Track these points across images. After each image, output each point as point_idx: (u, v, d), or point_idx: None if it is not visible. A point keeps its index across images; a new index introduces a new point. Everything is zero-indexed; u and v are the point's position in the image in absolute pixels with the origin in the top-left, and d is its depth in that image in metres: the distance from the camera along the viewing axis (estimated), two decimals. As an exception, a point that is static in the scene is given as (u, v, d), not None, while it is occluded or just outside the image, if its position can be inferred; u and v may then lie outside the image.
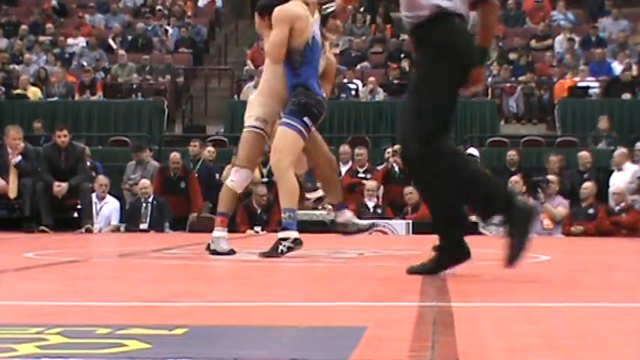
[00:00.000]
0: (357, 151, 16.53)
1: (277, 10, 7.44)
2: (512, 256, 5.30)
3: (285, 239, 7.36)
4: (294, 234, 7.39)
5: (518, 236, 5.30)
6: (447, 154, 5.50)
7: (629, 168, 15.70)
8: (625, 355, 2.81)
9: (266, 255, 7.48)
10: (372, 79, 20.29)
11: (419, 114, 5.47)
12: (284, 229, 7.47)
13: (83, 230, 14.28)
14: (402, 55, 21.49)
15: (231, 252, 7.70)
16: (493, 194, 5.50)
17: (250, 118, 7.79)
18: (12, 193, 14.45)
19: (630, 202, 15.13)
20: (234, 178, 7.79)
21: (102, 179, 15.48)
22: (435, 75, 5.47)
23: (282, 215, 7.56)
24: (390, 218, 15.20)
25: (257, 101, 7.80)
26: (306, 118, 7.40)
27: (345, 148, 16.82)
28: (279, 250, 7.34)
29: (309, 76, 7.49)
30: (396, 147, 16.58)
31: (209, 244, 7.79)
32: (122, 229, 15.21)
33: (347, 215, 8.24)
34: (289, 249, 7.34)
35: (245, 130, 7.84)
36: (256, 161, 8.02)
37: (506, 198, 5.49)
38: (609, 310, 4.20)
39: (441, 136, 5.50)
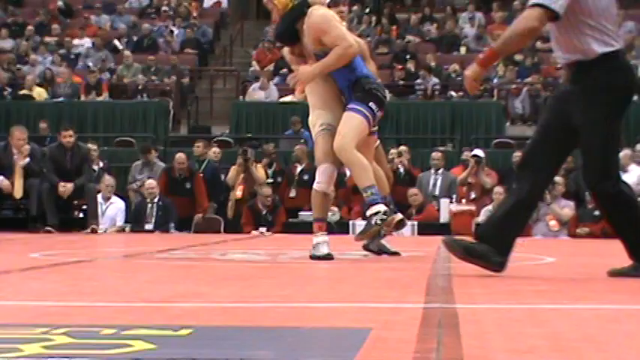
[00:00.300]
0: (362, 152, 16.49)
1: (319, 16, 7.43)
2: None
3: (375, 214, 7.31)
4: (381, 207, 7.32)
5: None
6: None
7: (634, 170, 15.68)
8: (629, 357, 2.81)
9: (362, 234, 7.50)
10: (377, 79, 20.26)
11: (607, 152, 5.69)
12: (370, 205, 7.40)
13: (88, 231, 14.28)
14: (408, 57, 21.49)
15: (329, 256, 7.44)
16: None
17: (316, 126, 7.62)
18: (17, 194, 14.46)
19: (636, 203, 15.10)
20: (319, 179, 7.60)
21: (108, 180, 15.45)
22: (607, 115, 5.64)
23: (364, 195, 7.46)
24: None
25: (315, 114, 7.65)
26: (371, 104, 7.38)
27: (350, 150, 16.79)
28: (374, 223, 7.29)
29: (362, 66, 7.53)
30: (402, 148, 16.61)
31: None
32: (127, 229, 15.20)
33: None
34: (383, 220, 7.28)
35: (315, 135, 7.65)
36: (334, 155, 7.63)
37: None
38: (614, 313, 4.20)
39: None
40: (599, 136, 5.62)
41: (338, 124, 7.42)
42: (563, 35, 5.61)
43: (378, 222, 7.27)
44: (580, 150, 5.81)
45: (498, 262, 5.63)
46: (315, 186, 7.61)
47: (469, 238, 5.89)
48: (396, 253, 8.03)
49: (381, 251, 8.02)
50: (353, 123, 7.33)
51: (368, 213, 7.45)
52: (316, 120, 7.61)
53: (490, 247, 5.62)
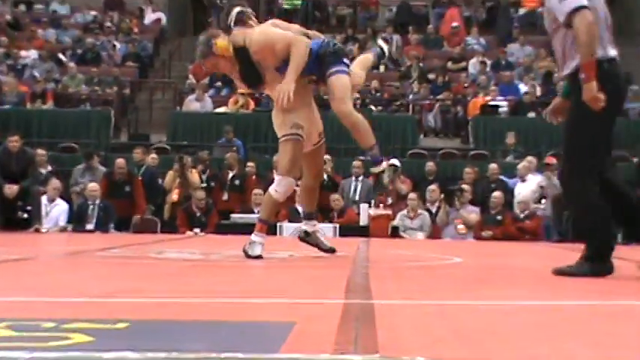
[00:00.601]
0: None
1: (258, 35, 7.38)
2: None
3: (382, 172, 7.31)
4: (384, 164, 7.38)
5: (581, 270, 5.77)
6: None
7: (533, 179, 15.91)
8: (524, 346, 2.84)
9: (377, 188, 7.47)
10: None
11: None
12: (374, 164, 7.40)
13: (32, 230, 14.14)
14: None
15: (259, 257, 7.30)
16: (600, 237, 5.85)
17: (283, 126, 7.35)
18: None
19: (533, 209, 15.34)
20: (278, 189, 7.37)
21: (55, 183, 15.32)
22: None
23: (370, 153, 7.48)
24: (318, 222, 15.20)
25: (281, 111, 7.33)
26: (344, 59, 7.31)
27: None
28: (385, 180, 7.30)
29: (313, 43, 7.37)
30: (326, 157, 16.63)
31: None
32: (69, 229, 15.06)
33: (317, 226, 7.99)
34: (393, 173, 7.42)
35: (282, 139, 7.34)
36: (299, 168, 7.52)
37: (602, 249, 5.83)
38: (512, 307, 4.24)
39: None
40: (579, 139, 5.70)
41: (306, 125, 7.37)
42: (569, 45, 5.66)
43: (388, 177, 7.33)
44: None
45: None
46: (272, 192, 7.42)
47: None
48: (331, 250, 7.87)
49: (318, 246, 7.87)
50: (342, 83, 7.22)
51: (376, 171, 7.46)
52: (284, 118, 7.33)
53: None
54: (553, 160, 15.83)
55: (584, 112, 5.54)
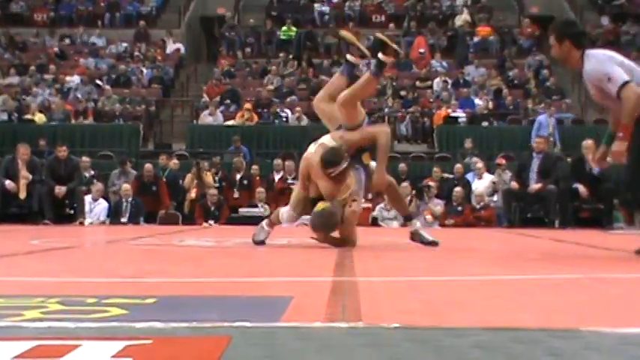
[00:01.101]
0: (287, 163, 16.56)
1: (313, 156, 6.97)
2: None
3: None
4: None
5: None
6: None
7: (487, 177, 15.94)
8: (482, 314, 2.84)
9: None
10: (298, 109, 20.31)
11: None
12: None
13: (77, 223, 14.16)
14: (321, 92, 21.53)
15: (262, 243, 7.28)
16: None
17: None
18: (22, 195, 14.29)
19: (487, 201, 15.36)
20: (285, 217, 7.32)
21: (98, 185, 15.48)
22: None
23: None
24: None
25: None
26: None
27: (278, 161, 16.85)
28: None
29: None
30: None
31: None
32: (107, 222, 15.06)
33: (416, 225, 7.56)
34: None
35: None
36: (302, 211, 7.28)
37: None
38: (473, 282, 4.24)
39: None
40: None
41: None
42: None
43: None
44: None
45: None
46: (280, 215, 7.36)
47: None
48: (433, 243, 7.19)
49: (421, 242, 7.24)
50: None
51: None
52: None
53: None
54: (503, 161, 15.85)
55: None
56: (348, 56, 7.41)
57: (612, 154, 5.68)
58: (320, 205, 6.84)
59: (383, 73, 7.24)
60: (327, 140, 7.03)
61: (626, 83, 5.59)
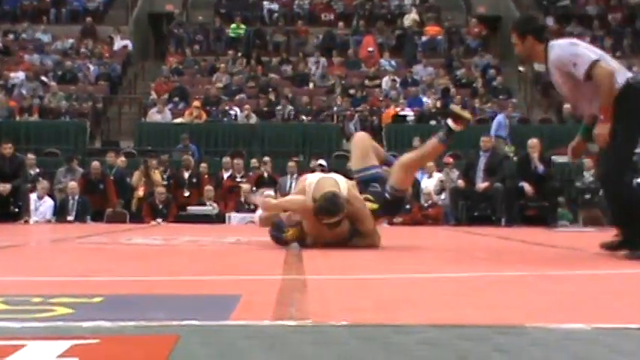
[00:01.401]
0: (235, 161, 16.52)
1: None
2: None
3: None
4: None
5: None
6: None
7: (436, 176, 16.05)
8: (430, 311, 2.86)
9: None
10: (247, 106, 20.26)
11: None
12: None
13: (22, 222, 13.97)
14: (270, 89, 21.52)
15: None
16: None
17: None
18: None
19: (435, 200, 15.46)
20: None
21: (44, 183, 15.27)
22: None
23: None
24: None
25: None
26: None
27: (226, 159, 16.80)
28: None
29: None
30: (266, 159, 16.63)
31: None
32: (53, 221, 14.88)
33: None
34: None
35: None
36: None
37: None
38: (421, 279, 4.27)
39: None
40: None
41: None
42: (591, 93, 5.54)
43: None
44: None
45: None
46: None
47: None
48: None
49: None
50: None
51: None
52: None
53: None
54: (450, 160, 15.97)
55: (621, 130, 5.44)
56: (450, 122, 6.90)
57: (597, 138, 5.48)
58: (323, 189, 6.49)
59: (449, 141, 6.98)
60: (341, 181, 6.61)
61: (595, 62, 5.45)
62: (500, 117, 18.65)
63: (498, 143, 17.98)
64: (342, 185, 6.53)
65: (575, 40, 5.88)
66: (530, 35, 5.72)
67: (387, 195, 6.60)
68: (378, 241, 6.64)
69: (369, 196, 6.62)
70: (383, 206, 6.65)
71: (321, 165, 15.82)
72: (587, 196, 15.37)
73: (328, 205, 6.25)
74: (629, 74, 5.67)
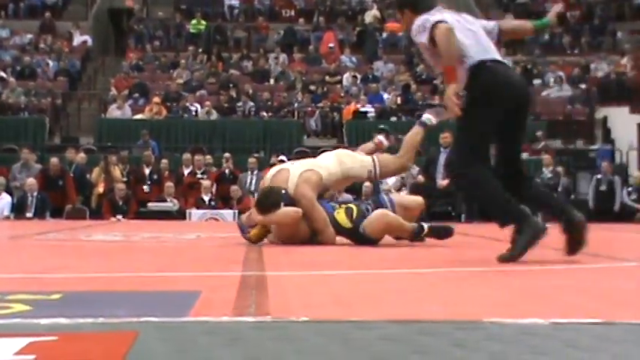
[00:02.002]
0: (196, 157, 16.46)
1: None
2: (512, 256, 4.84)
3: None
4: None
5: (520, 244, 4.86)
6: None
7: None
8: (390, 307, 2.87)
9: None
10: (208, 102, 20.17)
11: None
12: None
13: (-20, 218, 13.81)
14: (231, 85, 21.44)
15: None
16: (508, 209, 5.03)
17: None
18: None
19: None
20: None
21: (1, 179, 15.07)
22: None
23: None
24: (221, 208, 15.18)
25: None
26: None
27: (187, 156, 16.72)
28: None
29: None
30: (227, 155, 16.59)
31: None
32: (12, 217, 14.73)
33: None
34: None
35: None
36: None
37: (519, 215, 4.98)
38: (381, 275, 4.28)
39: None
40: None
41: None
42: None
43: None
44: None
45: None
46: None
47: None
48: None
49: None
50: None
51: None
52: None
53: None
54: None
55: (467, 107, 4.91)
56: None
57: (445, 103, 4.97)
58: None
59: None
60: (294, 175, 6.61)
61: (435, 24, 4.95)
62: None
63: None
64: (293, 181, 6.55)
65: (439, 8, 5.28)
66: (407, 9, 5.28)
67: (361, 229, 6.55)
68: (329, 238, 6.57)
69: (351, 207, 6.64)
70: (353, 232, 6.58)
71: (281, 161, 15.81)
72: (546, 193, 15.52)
73: (262, 199, 6.50)
74: (493, 56, 5.12)
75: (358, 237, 6.53)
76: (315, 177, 6.61)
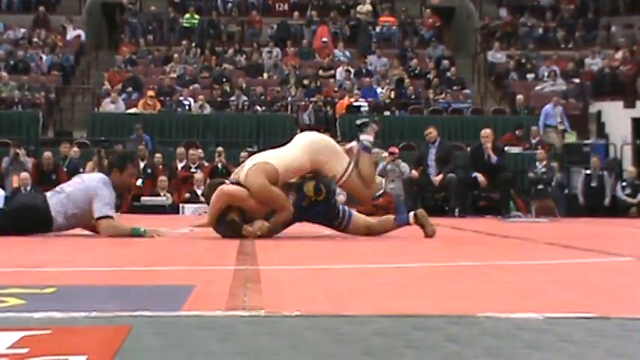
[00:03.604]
0: (190, 152, 16.45)
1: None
2: None
3: None
4: None
5: None
6: None
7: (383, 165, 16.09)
8: (381, 301, 2.87)
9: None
10: (201, 97, 20.16)
11: None
12: None
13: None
14: (224, 80, 21.42)
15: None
16: None
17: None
18: None
19: (386, 189, 15.51)
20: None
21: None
22: None
23: None
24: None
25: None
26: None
27: (180, 150, 16.71)
28: None
29: None
30: (220, 149, 16.57)
31: None
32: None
33: None
34: None
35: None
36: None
37: None
38: (372, 270, 4.28)
39: None
40: None
41: None
42: None
43: None
44: None
45: None
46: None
47: None
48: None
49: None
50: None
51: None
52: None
53: None
54: (396, 150, 15.95)
55: None
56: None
57: None
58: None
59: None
60: (248, 164, 6.66)
61: None
62: (547, 107, 18.61)
63: (547, 133, 18.01)
64: (245, 169, 6.58)
65: None
66: None
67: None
68: (283, 217, 6.56)
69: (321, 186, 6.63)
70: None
71: (250, 153, 15.71)
72: (540, 187, 15.55)
73: (206, 193, 7.00)
74: None
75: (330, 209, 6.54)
76: (267, 167, 6.54)
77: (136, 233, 6.75)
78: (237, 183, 6.51)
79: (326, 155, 6.73)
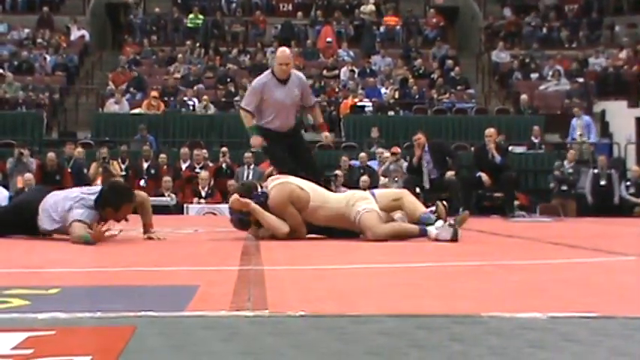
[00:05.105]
0: (195, 152, 16.46)
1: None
2: None
3: None
4: None
5: None
6: None
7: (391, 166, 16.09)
8: (386, 301, 2.87)
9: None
10: (205, 97, 20.16)
11: None
12: None
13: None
14: (228, 80, 21.42)
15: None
16: None
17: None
18: None
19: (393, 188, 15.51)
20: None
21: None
22: None
23: None
24: (218, 203, 15.17)
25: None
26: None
27: (184, 150, 16.72)
28: None
29: None
30: (224, 149, 16.57)
31: None
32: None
33: None
34: None
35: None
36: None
37: None
38: (378, 270, 4.28)
39: None
40: None
41: None
42: None
43: None
44: None
45: None
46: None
47: None
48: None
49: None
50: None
51: None
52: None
53: None
54: (398, 150, 15.94)
55: None
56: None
57: None
58: None
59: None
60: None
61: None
62: (572, 120, 18.38)
63: (573, 147, 17.66)
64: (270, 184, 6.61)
65: None
66: None
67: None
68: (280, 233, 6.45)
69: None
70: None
71: (252, 151, 15.60)
72: (564, 187, 15.50)
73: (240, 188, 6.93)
74: None
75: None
76: (287, 187, 6.51)
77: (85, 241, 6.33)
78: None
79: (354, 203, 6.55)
